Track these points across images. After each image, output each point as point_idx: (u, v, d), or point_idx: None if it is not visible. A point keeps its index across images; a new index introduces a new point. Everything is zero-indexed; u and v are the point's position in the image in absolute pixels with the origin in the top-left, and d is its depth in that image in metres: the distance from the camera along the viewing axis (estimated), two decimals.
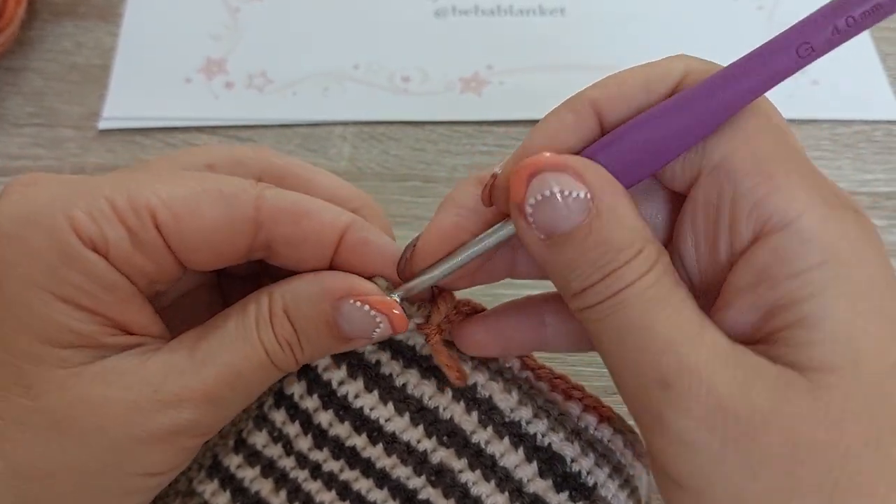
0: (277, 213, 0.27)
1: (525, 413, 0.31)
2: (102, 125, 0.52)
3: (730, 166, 0.24)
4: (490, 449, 0.30)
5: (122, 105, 0.52)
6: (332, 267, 0.28)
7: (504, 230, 0.26)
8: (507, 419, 0.30)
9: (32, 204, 0.26)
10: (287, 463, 0.32)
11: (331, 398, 0.31)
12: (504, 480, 0.30)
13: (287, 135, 0.51)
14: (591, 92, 0.26)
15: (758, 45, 0.23)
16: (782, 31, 0.23)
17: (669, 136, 0.24)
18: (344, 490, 0.31)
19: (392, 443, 0.31)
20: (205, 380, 0.26)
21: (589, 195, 0.23)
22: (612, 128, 0.25)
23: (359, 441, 0.31)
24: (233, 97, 0.53)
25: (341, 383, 0.31)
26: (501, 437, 0.30)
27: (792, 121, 0.51)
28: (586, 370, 0.41)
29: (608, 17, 0.56)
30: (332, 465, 0.31)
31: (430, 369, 0.31)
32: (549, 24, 0.56)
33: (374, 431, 0.31)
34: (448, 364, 0.30)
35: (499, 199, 0.27)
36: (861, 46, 0.54)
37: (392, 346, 0.31)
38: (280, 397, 0.32)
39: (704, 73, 0.24)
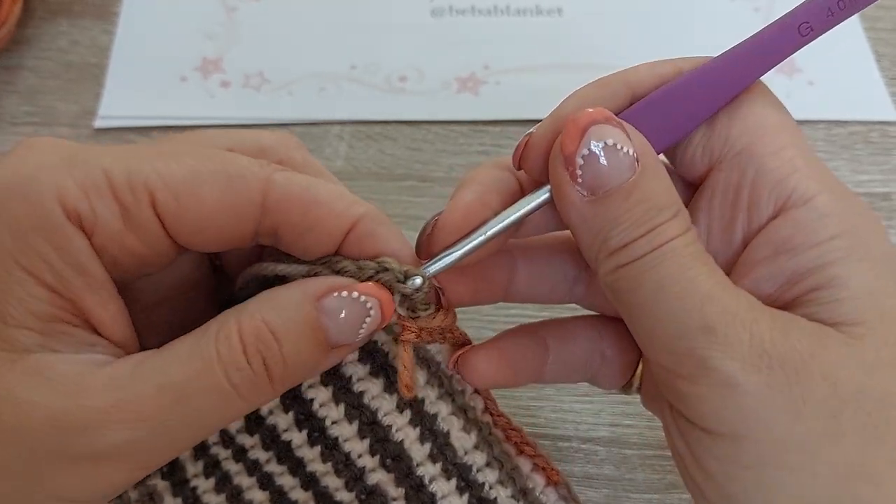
0: (286, 201, 0.25)
1: (479, 458, 0.29)
2: (98, 124, 0.52)
3: (753, 151, 0.26)
4: (433, 487, 0.29)
5: (118, 104, 0.52)
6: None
7: (534, 200, 0.26)
8: (458, 460, 0.29)
9: (23, 168, 0.24)
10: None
11: None
12: None
13: None
14: (624, 73, 0.27)
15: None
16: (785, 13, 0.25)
17: (691, 108, 0.26)
18: (266, 480, 0.29)
19: (332, 449, 0.29)
20: (141, 399, 0.23)
21: (635, 153, 0.24)
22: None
23: (296, 437, 0.29)
24: (229, 96, 0.53)
25: None
26: (448, 478, 0.29)
27: None
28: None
29: (605, 17, 0.57)
30: (258, 454, 0.30)
31: (395, 384, 0.29)
32: (546, 23, 0.56)
33: (317, 431, 0.29)
34: (406, 367, 0.27)
35: (530, 160, 0.27)
36: (856, 48, 0.55)
37: (365, 346, 0.29)
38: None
39: None
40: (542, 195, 0.26)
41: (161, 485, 0.30)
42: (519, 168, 0.27)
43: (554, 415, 0.41)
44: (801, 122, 0.51)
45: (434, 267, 0.26)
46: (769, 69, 0.25)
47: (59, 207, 0.23)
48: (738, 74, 0.25)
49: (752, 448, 0.23)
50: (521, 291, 0.31)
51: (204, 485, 0.30)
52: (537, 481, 0.30)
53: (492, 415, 0.30)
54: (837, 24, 0.25)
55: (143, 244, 0.25)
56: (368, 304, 0.25)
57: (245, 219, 0.25)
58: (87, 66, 0.54)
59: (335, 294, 0.25)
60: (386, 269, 0.26)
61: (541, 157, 0.26)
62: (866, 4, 0.25)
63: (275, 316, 0.24)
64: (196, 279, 0.30)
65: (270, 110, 0.52)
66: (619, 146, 0.24)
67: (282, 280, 0.27)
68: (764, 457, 0.23)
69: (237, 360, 0.24)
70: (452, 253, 0.26)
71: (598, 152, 0.24)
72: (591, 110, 0.24)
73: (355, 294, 0.25)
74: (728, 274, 0.26)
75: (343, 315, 0.25)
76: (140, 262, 0.25)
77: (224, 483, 0.30)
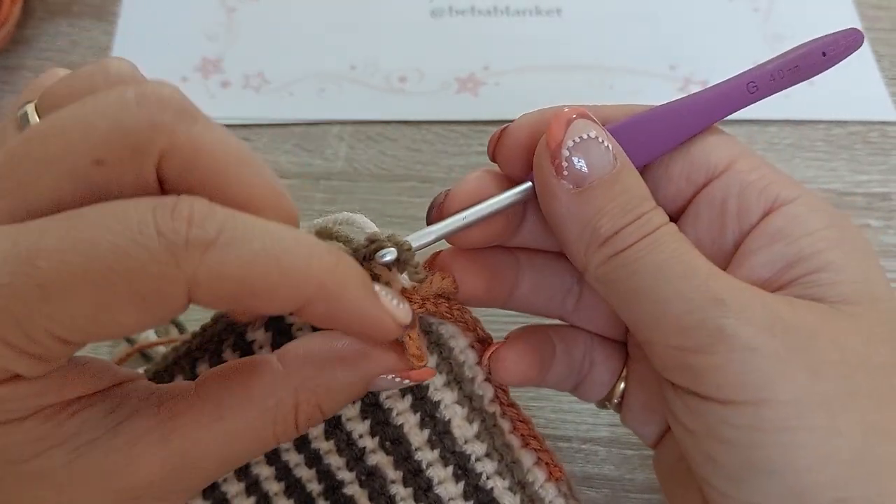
0: (218, 298, 0.20)
1: (478, 449, 0.29)
2: None
3: (736, 167, 0.27)
4: (430, 472, 0.29)
5: None
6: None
7: (517, 192, 0.28)
8: (457, 448, 0.29)
9: None
10: None
11: None
12: None
13: (283, 134, 0.51)
14: (594, 106, 0.28)
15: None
16: (737, 73, 0.28)
17: (652, 140, 0.28)
18: (272, 455, 0.30)
19: (335, 427, 0.30)
20: (203, 479, 0.24)
21: (613, 147, 0.26)
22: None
23: None
24: (229, 97, 0.53)
25: None
26: (446, 465, 0.29)
27: (787, 121, 0.51)
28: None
29: (604, 18, 0.56)
30: None
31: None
32: (546, 24, 0.56)
33: None
34: (412, 337, 0.27)
35: (504, 152, 0.28)
36: None
37: None
38: (240, 341, 0.31)
39: None
40: (525, 186, 0.28)
41: None
42: (493, 160, 0.29)
43: (554, 415, 0.41)
44: (800, 122, 0.52)
45: (417, 242, 0.27)
46: (723, 118, 0.28)
47: None
48: (695, 118, 0.28)
49: (774, 411, 0.23)
50: (523, 296, 0.31)
51: None
52: (538, 476, 0.30)
53: (501, 404, 0.31)
54: (781, 89, 0.28)
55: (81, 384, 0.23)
56: (408, 382, 0.27)
57: (173, 314, 0.21)
58: None
59: (387, 377, 0.26)
60: (372, 242, 0.27)
61: (515, 148, 0.28)
62: (806, 77, 0.27)
63: (329, 400, 0.25)
64: None
65: (270, 111, 0.52)
66: (600, 139, 0.25)
67: None
68: (787, 419, 0.23)
69: (290, 434, 0.25)
70: (433, 231, 0.28)
71: (582, 143, 0.25)
72: (571, 108, 0.26)
73: (407, 382, 0.27)
74: None
75: (384, 387, 0.27)
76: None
77: None
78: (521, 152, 0.28)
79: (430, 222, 0.29)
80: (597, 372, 0.32)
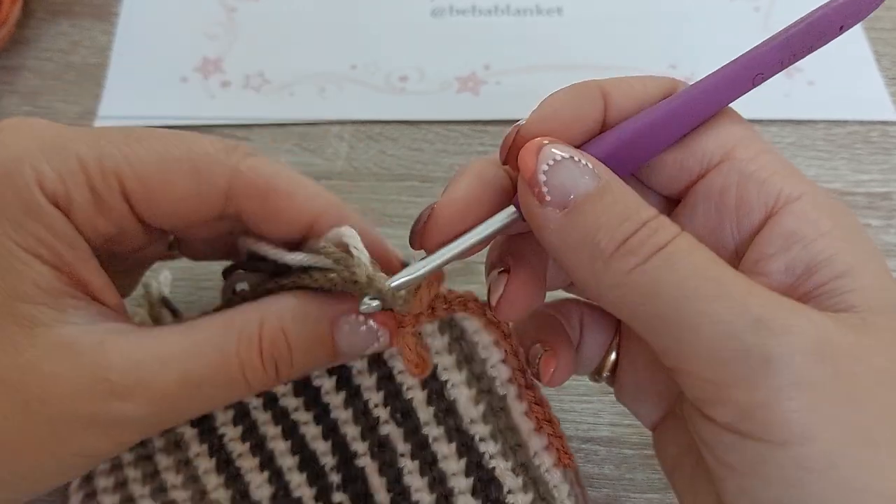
0: (246, 188, 0.27)
1: (482, 430, 0.30)
2: (98, 124, 0.51)
3: (734, 157, 0.26)
4: (435, 447, 0.30)
5: (119, 104, 0.52)
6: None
7: (507, 216, 0.26)
8: (461, 427, 0.30)
9: (6, 153, 0.26)
10: None
11: None
12: (437, 482, 0.29)
13: (283, 134, 0.51)
14: (597, 81, 0.27)
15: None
16: (740, 56, 0.26)
17: (653, 137, 0.26)
18: (291, 428, 0.31)
19: (353, 396, 0.31)
20: (164, 383, 0.25)
21: (593, 165, 0.24)
22: (617, 111, 0.27)
23: (326, 383, 0.31)
24: (229, 96, 0.53)
25: None
26: (450, 441, 0.30)
27: (788, 121, 0.51)
28: None
29: (605, 18, 0.56)
30: (288, 402, 0.31)
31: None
32: (547, 23, 0.56)
33: (343, 379, 0.31)
34: (408, 357, 0.28)
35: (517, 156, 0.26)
36: (856, 47, 0.55)
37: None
38: None
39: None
40: (509, 211, 0.26)
41: (189, 432, 0.32)
42: (505, 163, 0.27)
43: (554, 414, 0.41)
44: (801, 122, 0.52)
45: (398, 281, 0.26)
46: (725, 105, 0.26)
47: (39, 190, 0.25)
48: (698, 114, 0.26)
49: (821, 449, 0.21)
50: (551, 276, 0.30)
51: (231, 432, 0.32)
52: (545, 460, 0.30)
53: (519, 385, 0.31)
54: (784, 68, 0.26)
55: (113, 225, 0.27)
56: (379, 333, 0.27)
57: (211, 205, 0.27)
58: (88, 67, 0.54)
59: (352, 316, 0.27)
60: (355, 282, 0.26)
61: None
62: (812, 51, 0.26)
63: (293, 327, 0.26)
64: (156, 256, 0.33)
65: (271, 110, 0.52)
66: (575, 158, 0.24)
67: (284, 268, 0.29)
68: (834, 456, 0.21)
69: (254, 360, 0.26)
70: (421, 268, 0.26)
71: (557, 164, 0.24)
72: (540, 138, 0.25)
73: (371, 323, 0.27)
74: None
75: (354, 336, 0.27)
76: (108, 241, 0.27)
77: (251, 431, 0.32)
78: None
79: (413, 240, 0.28)
80: (586, 343, 0.31)
